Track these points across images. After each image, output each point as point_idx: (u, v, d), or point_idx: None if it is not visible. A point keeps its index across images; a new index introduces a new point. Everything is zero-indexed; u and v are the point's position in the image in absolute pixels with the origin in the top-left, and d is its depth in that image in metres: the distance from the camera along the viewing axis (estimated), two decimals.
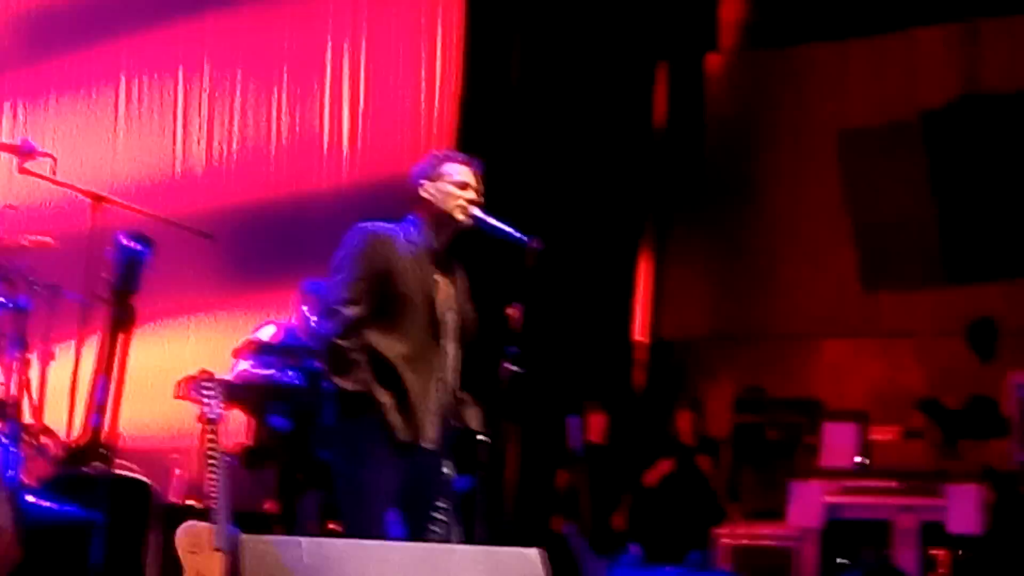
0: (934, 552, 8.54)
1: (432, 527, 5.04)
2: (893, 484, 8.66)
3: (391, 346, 4.96)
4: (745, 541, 9.11)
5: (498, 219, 5.17)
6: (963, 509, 8.26)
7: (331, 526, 6.76)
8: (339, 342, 4.92)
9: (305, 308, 7.94)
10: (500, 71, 10.60)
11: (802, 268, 11.19)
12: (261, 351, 7.53)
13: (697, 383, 11.24)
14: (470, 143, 9.76)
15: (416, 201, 5.15)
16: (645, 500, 9.95)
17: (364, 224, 5.12)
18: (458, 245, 5.22)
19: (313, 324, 7.77)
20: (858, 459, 8.97)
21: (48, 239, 7.25)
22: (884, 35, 10.93)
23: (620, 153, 11.25)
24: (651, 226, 11.83)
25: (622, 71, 11.26)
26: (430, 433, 5.02)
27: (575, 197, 10.72)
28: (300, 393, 7.26)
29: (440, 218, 5.12)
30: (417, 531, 5.05)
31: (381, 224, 5.13)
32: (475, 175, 5.20)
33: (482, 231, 5.16)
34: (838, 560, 8.71)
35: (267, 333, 7.95)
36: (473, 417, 5.19)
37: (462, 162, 5.20)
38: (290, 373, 7.39)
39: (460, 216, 5.12)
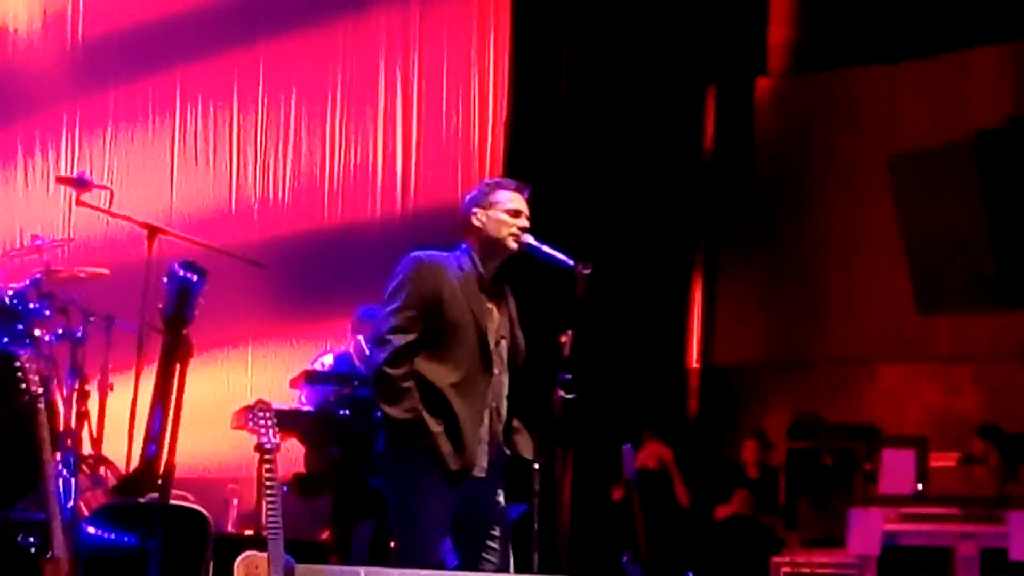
0: None
1: (486, 555, 5.02)
2: (954, 511, 8.58)
3: (441, 374, 4.97)
4: (804, 570, 9.04)
5: (548, 245, 5.18)
6: None
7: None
8: (389, 371, 4.93)
9: (360, 336, 7.99)
10: (549, 96, 10.63)
11: (856, 292, 11.11)
12: (316, 380, 7.56)
13: (751, 410, 11.17)
14: (520, 169, 9.77)
15: (468, 229, 5.16)
16: (703, 528, 9.92)
17: (416, 253, 5.14)
18: (508, 271, 5.22)
19: (366, 352, 7.82)
20: (918, 486, 8.89)
21: (103, 270, 7.35)
22: (935, 56, 10.86)
23: (670, 178, 11.23)
24: (702, 251, 11.79)
25: (671, 95, 11.25)
26: (481, 461, 5.01)
27: (626, 222, 10.71)
28: (353, 422, 7.28)
29: (492, 246, 5.13)
30: (471, 560, 5.04)
31: (432, 252, 5.15)
32: (526, 201, 5.21)
33: (532, 257, 5.17)
34: None
35: (327, 362, 8.00)
36: (525, 445, 5.18)
37: (513, 189, 5.20)
38: (343, 403, 7.42)
39: (512, 244, 5.13)
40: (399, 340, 4.94)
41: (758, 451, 9.95)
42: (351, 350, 8.05)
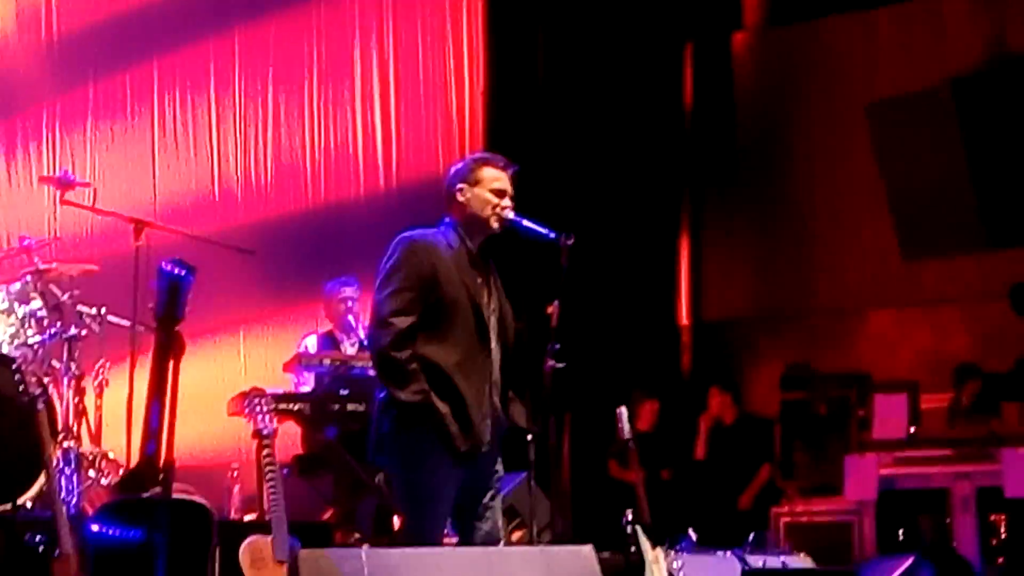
0: (993, 517, 8.53)
1: (478, 524, 5.08)
2: (947, 452, 8.66)
3: (444, 355, 5.00)
4: (803, 519, 9.14)
5: (530, 219, 5.21)
6: (1019, 473, 8.24)
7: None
8: (394, 354, 4.95)
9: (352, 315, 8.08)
10: (526, 63, 10.65)
11: (841, 241, 11.18)
12: (310, 362, 7.63)
13: (743, 363, 11.25)
14: (500, 138, 9.84)
15: (452, 203, 5.18)
16: (696, 481, 10.01)
17: (406, 233, 5.15)
18: (493, 244, 5.26)
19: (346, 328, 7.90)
20: (911, 429, 8.97)
21: (92, 266, 7.39)
22: (909, 3, 10.90)
23: (651, 137, 11.27)
24: (687, 209, 11.85)
25: (648, 54, 11.28)
26: (485, 437, 5.07)
27: (610, 184, 10.76)
28: (351, 400, 7.35)
29: (475, 223, 5.16)
30: (464, 527, 5.11)
31: (423, 231, 5.16)
32: (511, 179, 5.23)
33: (515, 232, 5.21)
34: (899, 531, 8.71)
35: (310, 343, 8.06)
36: (520, 414, 5.25)
37: (498, 166, 5.21)
38: (340, 383, 7.50)
39: (494, 224, 5.15)
40: (401, 322, 4.96)
41: (723, 398, 10.00)
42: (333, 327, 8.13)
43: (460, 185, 5.16)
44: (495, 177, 5.17)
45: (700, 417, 10.11)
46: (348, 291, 8.15)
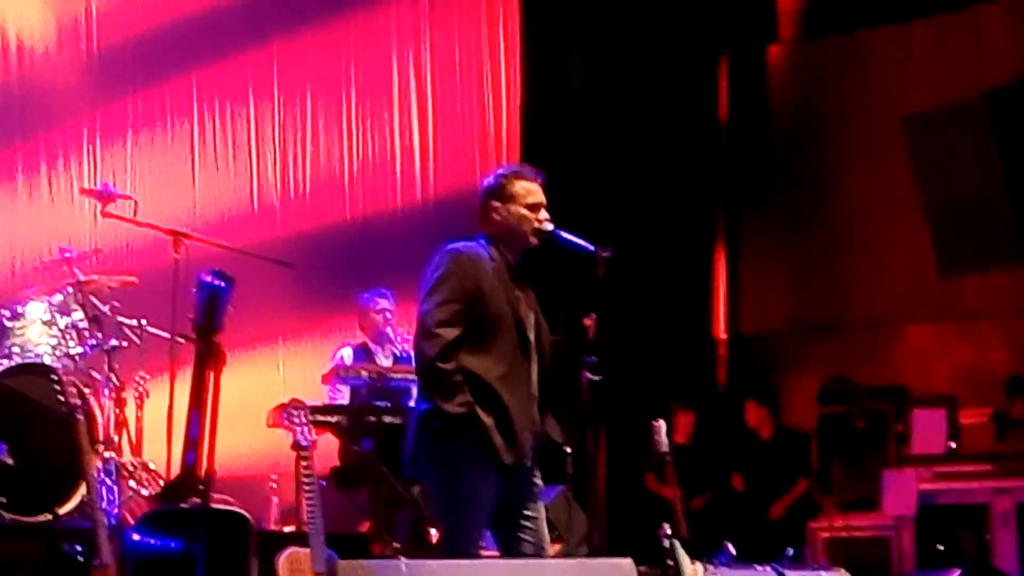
0: None
1: (522, 535, 5.08)
2: (987, 467, 8.60)
3: (488, 367, 5.00)
4: (841, 533, 9.09)
5: (567, 231, 5.22)
6: None
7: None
8: (441, 365, 4.95)
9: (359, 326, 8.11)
10: (562, 75, 10.66)
11: (878, 255, 11.12)
12: (347, 375, 7.65)
13: (780, 377, 11.20)
14: (536, 150, 9.86)
15: (487, 221, 5.17)
16: (732, 498, 9.97)
17: (453, 245, 5.16)
18: (529, 256, 5.27)
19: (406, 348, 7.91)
20: (950, 444, 8.91)
21: (132, 278, 7.45)
22: (944, 15, 10.85)
23: (687, 150, 11.26)
24: (723, 222, 11.82)
25: (684, 67, 11.27)
26: (528, 449, 5.07)
27: (646, 196, 10.75)
28: (388, 413, 7.37)
29: (514, 238, 5.16)
30: (508, 542, 5.11)
31: (466, 244, 5.16)
32: (542, 188, 5.23)
33: (553, 244, 5.21)
34: (937, 547, 8.65)
35: (346, 355, 8.08)
36: (554, 429, 5.25)
37: (530, 179, 5.20)
38: (377, 394, 7.52)
39: (533, 240, 5.16)
40: (448, 334, 4.97)
41: (760, 411, 9.96)
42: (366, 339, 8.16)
43: (495, 204, 5.15)
44: (529, 191, 5.17)
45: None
46: (384, 303, 8.18)
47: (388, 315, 8.15)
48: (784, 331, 11.53)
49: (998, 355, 10.43)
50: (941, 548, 8.68)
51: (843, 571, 7.48)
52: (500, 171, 5.31)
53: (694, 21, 11.32)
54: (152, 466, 7.07)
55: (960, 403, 9.21)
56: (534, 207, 5.16)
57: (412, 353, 5.44)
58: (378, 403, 7.47)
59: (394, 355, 8.09)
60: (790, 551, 7.65)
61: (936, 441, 8.86)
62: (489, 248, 5.14)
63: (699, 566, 6.11)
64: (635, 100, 10.83)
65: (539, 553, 5.06)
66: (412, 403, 6.41)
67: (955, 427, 8.97)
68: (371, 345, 8.19)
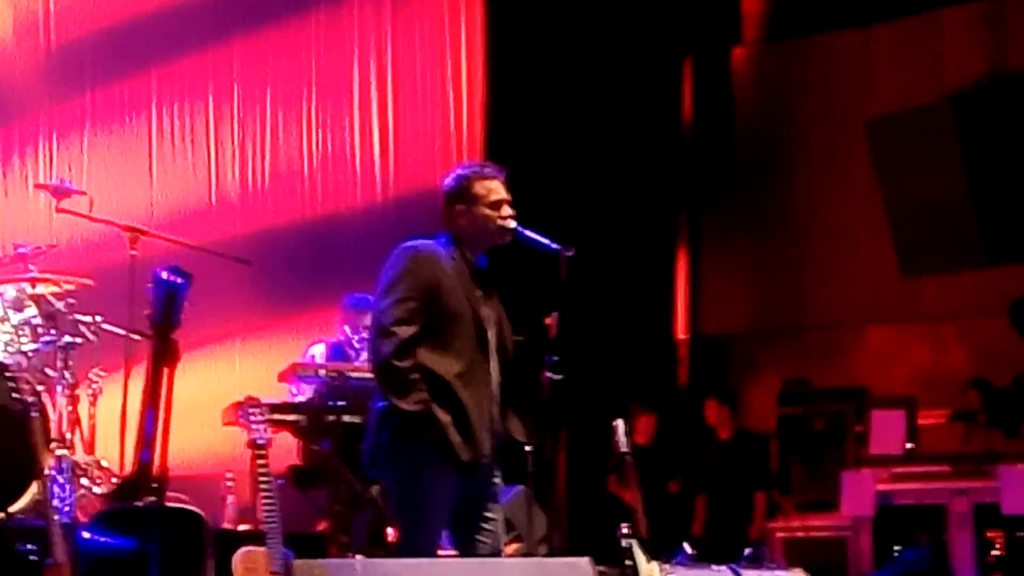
0: (990, 534, 8.50)
1: (479, 537, 5.06)
2: (945, 468, 8.63)
3: (446, 365, 4.97)
4: (799, 534, 9.11)
5: (530, 229, 5.19)
6: (1016, 489, 8.21)
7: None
8: (397, 363, 4.92)
9: (347, 326, 8.04)
10: (525, 76, 10.64)
11: (840, 256, 11.17)
12: (304, 373, 7.59)
13: (740, 378, 11.22)
14: (499, 149, 9.83)
15: (451, 221, 5.14)
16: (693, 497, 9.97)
17: (410, 243, 5.13)
18: (492, 257, 5.24)
19: (357, 343, 7.85)
20: (908, 445, 8.94)
21: (88, 280, 7.36)
22: (908, 18, 10.89)
23: (650, 151, 11.26)
24: (686, 223, 11.83)
25: (647, 69, 11.28)
26: (487, 448, 5.04)
27: (609, 197, 10.75)
28: (347, 412, 7.31)
29: (478, 238, 5.14)
30: (466, 542, 5.08)
31: (425, 242, 5.13)
32: (504, 186, 5.20)
33: (516, 243, 5.18)
34: (894, 548, 8.67)
35: (318, 351, 8.02)
36: (516, 427, 5.22)
37: (491, 176, 5.17)
38: (336, 393, 7.46)
39: (500, 239, 5.14)
40: (404, 332, 4.93)
41: (721, 411, 9.96)
42: (343, 340, 8.08)
43: (459, 207, 5.12)
44: (491, 189, 5.14)
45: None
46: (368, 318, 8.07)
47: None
48: (745, 332, 11.56)
49: (957, 357, 10.49)
50: (899, 549, 8.71)
51: (800, 571, 7.49)
52: (461, 171, 5.24)
53: (659, 23, 11.33)
54: (106, 464, 7.00)
55: (919, 405, 9.24)
56: (497, 205, 5.13)
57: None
58: (337, 402, 7.41)
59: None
60: (748, 551, 7.67)
61: (895, 442, 8.89)
62: (450, 247, 5.11)
63: (656, 566, 6.09)
64: (599, 101, 10.82)
65: (495, 553, 5.02)
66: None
67: (914, 428, 9.00)
68: (347, 351, 8.09)
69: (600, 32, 10.88)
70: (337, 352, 8.03)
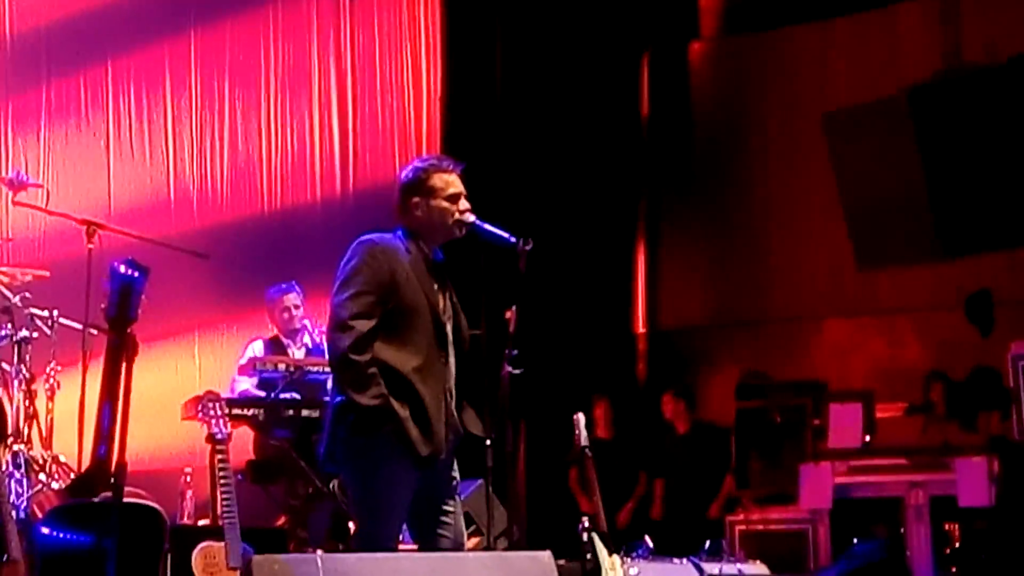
0: (947, 526, 8.57)
1: (440, 531, 5.05)
2: (901, 461, 8.69)
3: (403, 359, 4.95)
4: (758, 527, 9.15)
5: (488, 222, 5.18)
6: (972, 482, 8.28)
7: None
8: (355, 357, 4.89)
9: (306, 321, 8.03)
10: (484, 69, 10.63)
11: (797, 250, 11.22)
12: (263, 368, 7.56)
13: (698, 371, 11.26)
14: (457, 143, 9.82)
15: (406, 215, 5.12)
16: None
17: (367, 237, 5.10)
18: (449, 250, 5.23)
19: (320, 340, 7.83)
20: (866, 438, 9.00)
21: (44, 272, 7.30)
22: (865, 13, 10.96)
23: (608, 145, 11.28)
24: (643, 217, 11.86)
25: (605, 63, 11.30)
26: (444, 443, 5.03)
27: (566, 191, 10.76)
28: (304, 407, 7.30)
29: (434, 231, 5.12)
30: (426, 537, 5.07)
31: (381, 235, 5.10)
32: (462, 179, 5.19)
33: (474, 236, 5.17)
34: (853, 540, 8.73)
35: (256, 349, 7.98)
36: (473, 422, 5.21)
37: (448, 169, 5.15)
38: (291, 387, 7.44)
39: (457, 232, 5.12)
40: (362, 326, 4.91)
41: (677, 405, 10.00)
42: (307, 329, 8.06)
43: (415, 199, 5.10)
44: (448, 183, 5.12)
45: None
46: (292, 298, 8.09)
47: (295, 310, 8.05)
48: (703, 325, 11.60)
49: (914, 350, 10.56)
50: (856, 541, 8.76)
51: (760, 564, 7.54)
52: (417, 164, 5.22)
53: (617, 17, 11.34)
54: (63, 459, 6.95)
55: (876, 398, 9.30)
56: (454, 198, 5.12)
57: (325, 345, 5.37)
58: (295, 396, 7.39)
59: (306, 347, 8.00)
60: (707, 544, 7.70)
61: (852, 435, 8.94)
62: (407, 241, 5.10)
63: (616, 559, 6.11)
64: (557, 95, 10.83)
65: (457, 547, 5.02)
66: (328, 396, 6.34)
67: (871, 421, 9.06)
68: (282, 339, 8.10)
69: (558, 25, 10.89)
70: (272, 347, 8.01)
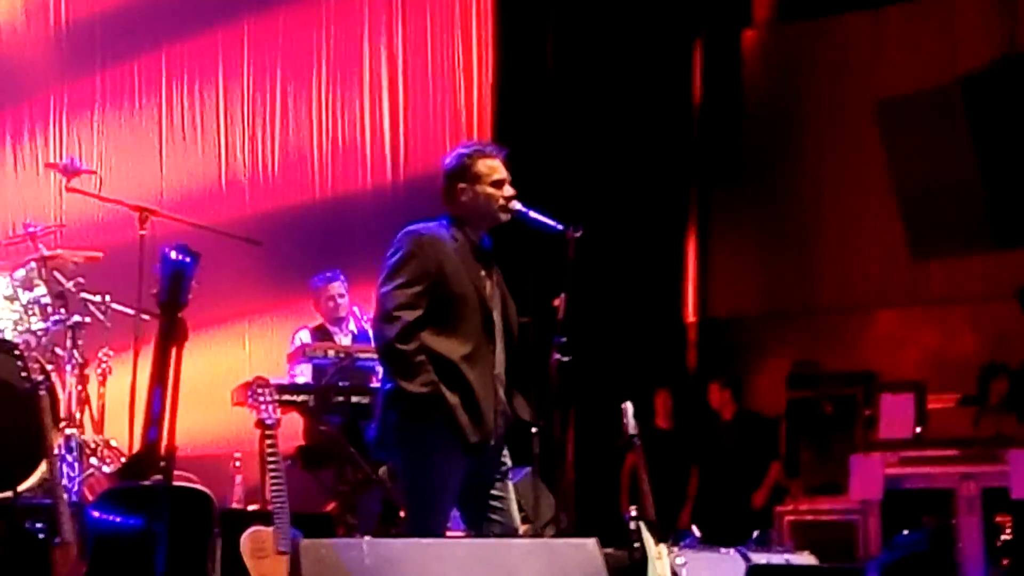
0: (999, 518, 8.49)
1: (493, 516, 5.06)
2: (953, 452, 8.61)
3: (452, 347, 4.97)
4: (808, 517, 9.11)
5: (536, 210, 5.18)
6: None
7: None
8: (401, 346, 4.91)
9: (355, 307, 8.07)
10: (535, 56, 10.62)
11: (849, 239, 11.15)
12: (312, 354, 7.60)
13: (749, 361, 11.21)
14: (508, 131, 9.82)
15: (452, 201, 5.12)
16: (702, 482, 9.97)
17: (412, 227, 5.11)
18: (497, 238, 5.23)
19: (369, 329, 7.85)
20: (917, 429, 8.93)
21: (97, 253, 7.37)
22: (918, 2, 10.86)
23: (660, 133, 11.24)
24: (695, 205, 11.82)
25: (658, 50, 11.25)
26: (495, 429, 5.04)
27: (618, 179, 10.73)
28: (354, 393, 7.32)
29: (480, 217, 5.12)
30: (477, 522, 5.09)
31: (426, 225, 5.12)
32: (506, 165, 5.18)
33: (522, 223, 5.17)
34: (904, 532, 8.67)
35: (303, 338, 8.03)
36: (522, 408, 5.22)
37: (492, 155, 5.15)
38: (343, 374, 7.47)
39: (503, 217, 5.11)
40: (408, 316, 4.93)
41: (723, 394, 9.96)
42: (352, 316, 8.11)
43: (460, 185, 5.10)
44: (493, 168, 5.11)
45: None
46: (336, 286, 8.14)
47: (340, 299, 8.10)
48: (754, 315, 11.54)
49: (967, 341, 10.47)
50: (906, 533, 8.70)
51: (808, 554, 7.50)
52: (462, 150, 5.22)
53: (670, 4, 11.31)
54: (114, 443, 7.02)
55: (928, 388, 9.23)
56: (499, 184, 5.11)
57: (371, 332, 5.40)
58: (345, 383, 7.42)
59: (352, 334, 8.04)
60: (756, 534, 7.68)
61: (904, 426, 8.86)
62: (452, 229, 5.10)
63: (664, 548, 6.10)
64: (609, 82, 10.80)
65: (509, 533, 5.03)
66: (378, 383, 6.36)
67: (923, 412, 8.98)
68: (328, 327, 8.13)
69: (610, 13, 10.86)
70: (319, 336, 8.05)
